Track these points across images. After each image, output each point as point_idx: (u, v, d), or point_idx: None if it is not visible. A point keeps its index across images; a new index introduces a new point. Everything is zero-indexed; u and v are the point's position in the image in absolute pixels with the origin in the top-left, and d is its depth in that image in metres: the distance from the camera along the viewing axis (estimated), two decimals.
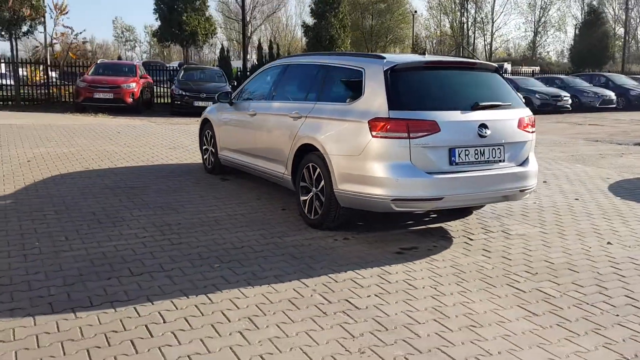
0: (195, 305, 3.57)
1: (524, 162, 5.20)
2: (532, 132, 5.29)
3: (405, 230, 5.47)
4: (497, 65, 5.66)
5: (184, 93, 18.29)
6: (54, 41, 21.48)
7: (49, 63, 21.49)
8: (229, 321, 3.37)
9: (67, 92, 20.16)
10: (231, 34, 60.07)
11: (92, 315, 3.37)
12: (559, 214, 6.25)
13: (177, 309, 3.52)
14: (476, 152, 4.88)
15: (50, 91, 20.33)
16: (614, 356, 3.13)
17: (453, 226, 5.66)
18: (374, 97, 4.83)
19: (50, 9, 21.12)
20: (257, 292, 3.81)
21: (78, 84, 18.28)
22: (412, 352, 3.08)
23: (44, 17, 21.55)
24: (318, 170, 5.21)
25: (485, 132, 4.86)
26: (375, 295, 3.83)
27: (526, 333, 3.36)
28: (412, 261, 4.59)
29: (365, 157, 4.73)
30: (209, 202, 6.32)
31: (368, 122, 4.71)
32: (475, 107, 4.89)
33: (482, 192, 4.94)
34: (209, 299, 3.69)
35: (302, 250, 4.74)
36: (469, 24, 54.14)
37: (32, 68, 20.74)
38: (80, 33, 22.33)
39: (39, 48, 21.61)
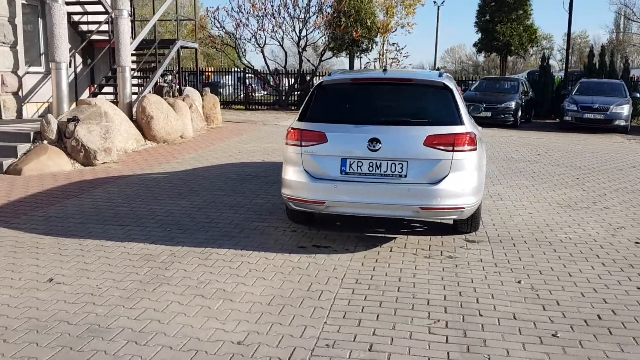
0: None
1: (439, 181, 4.95)
2: (455, 150, 4.94)
3: (363, 234, 5.72)
4: (441, 83, 5.33)
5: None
6: (380, 57, 24.63)
7: None
8: None
9: None
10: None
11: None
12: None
13: None
14: (370, 164, 5.02)
15: None
16: None
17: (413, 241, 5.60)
18: (303, 109, 5.47)
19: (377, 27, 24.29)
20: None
21: None
22: None
23: (376, 36, 24.89)
24: None
25: (376, 146, 4.96)
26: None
27: None
28: (314, 255, 5.06)
29: (284, 162, 5.45)
30: None
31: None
32: (370, 121, 5.08)
33: (372, 202, 5.02)
34: None
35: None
36: None
37: None
38: (402, 48, 24.94)
39: (369, 63, 25.11)
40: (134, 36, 15.03)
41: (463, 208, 5.06)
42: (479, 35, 27.47)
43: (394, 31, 24.95)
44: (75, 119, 9.28)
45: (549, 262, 4.97)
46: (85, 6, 14.30)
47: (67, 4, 13.63)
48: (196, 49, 15.75)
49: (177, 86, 15.06)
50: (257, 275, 4.55)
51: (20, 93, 12.30)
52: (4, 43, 11.70)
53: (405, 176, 5.01)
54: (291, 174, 5.30)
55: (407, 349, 3.38)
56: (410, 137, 5.02)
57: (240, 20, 23.21)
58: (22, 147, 9.02)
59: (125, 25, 11.73)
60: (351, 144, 5.08)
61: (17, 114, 12.09)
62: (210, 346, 3.38)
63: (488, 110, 18.35)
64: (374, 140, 5.00)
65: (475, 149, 5.11)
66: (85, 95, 13.74)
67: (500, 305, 4.03)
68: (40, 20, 13.41)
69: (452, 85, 5.38)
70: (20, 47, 12.35)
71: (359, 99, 5.42)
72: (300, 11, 23.00)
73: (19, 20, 12.24)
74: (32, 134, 9.28)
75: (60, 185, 7.81)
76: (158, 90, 14.02)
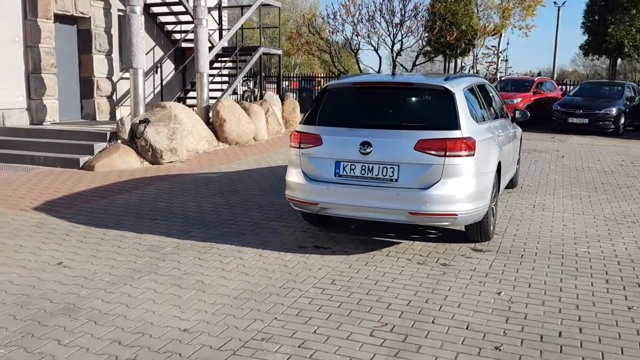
0: None
1: (430, 186, 4.81)
2: (447, 155, 4.83)
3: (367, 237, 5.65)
4: (442, 87, 5.16)
5: (560, 108, 17.96)
6: (475, 61, 24.02)
7: None
8: None
9: None
10: None
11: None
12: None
13: None
14: (363, 168, 5.03)
15: None
16: None
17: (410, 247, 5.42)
18: (307, 112, 5.58)
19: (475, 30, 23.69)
20: None
21: None
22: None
23: (474, 38, 24.31)
24: None
25: (367, 150, 4.96)
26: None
27: None
28: (306, 254, 5.09)
29: (288, 163, 5.63)
30: None
31: None
32: (364, 125, 5.09)
33: (363, 205, 5.02)
34: None
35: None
36: None
37: None
38: (502, 52, 24.10)
39: (464, 67, 24.55)
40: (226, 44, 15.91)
41: (455, 215, 4.94)
42: (586, 37, 25.79)
43: (493, 34, 24.18)
44: (146, 121, 10.07)
45: (547, 276, 4.72)
46: (179, 16, 15.37)
47: (161, 14, 14.77)
48: (279, 56, 16.30)
49: (259, 91, 15.70)
50: (241, 271, 4.77)
51: (114, 97, 13.50)
52: (99, 51, 12.91)
53: (397, 180, 4.99)
54: (291, 175, 5.46)
55: (336, 348, 3.43)
56: (402, 141, 4.99)
57: (336, 27, 23.67)
58: (99, 146, 9.93)
59: (203, 34, 12.48)
60: (344, 147, 5.15)
61: (110, 116, 13.26)
62: (157, 330, 3.64)
63: (585, 116, 17.28)
64: (365, 144, 5.03)
65: (472, 155, 4.97)
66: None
67: (461, 315, 3.93)
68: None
69: (457, 89, 5.26)
70: (115, 55, 13.55)
71: (358, 103, 5.48)
72: (395, 16, 23.00)
73: (114, 30, 13.45)
74: (108, 134, 10.18)
75: (121, 181, 8.53)
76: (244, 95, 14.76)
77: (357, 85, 5.64)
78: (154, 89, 14.54)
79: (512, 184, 8.22)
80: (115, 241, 5.55)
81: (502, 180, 6.45)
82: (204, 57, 12.54)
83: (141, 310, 3.96)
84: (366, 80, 5.76)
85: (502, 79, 22.33)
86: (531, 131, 17.99)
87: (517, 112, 7.75)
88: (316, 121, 5.44)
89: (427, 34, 22.85)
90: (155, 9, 14.74)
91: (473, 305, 4.10)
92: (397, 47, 23.60)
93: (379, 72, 24.91)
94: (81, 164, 9.54)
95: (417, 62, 24.62)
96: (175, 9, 14.92)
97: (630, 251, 5.44)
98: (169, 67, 15.43)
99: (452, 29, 23.03)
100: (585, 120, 17.17)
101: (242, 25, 15.95)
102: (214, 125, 12.35)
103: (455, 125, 4.99)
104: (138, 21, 10.53)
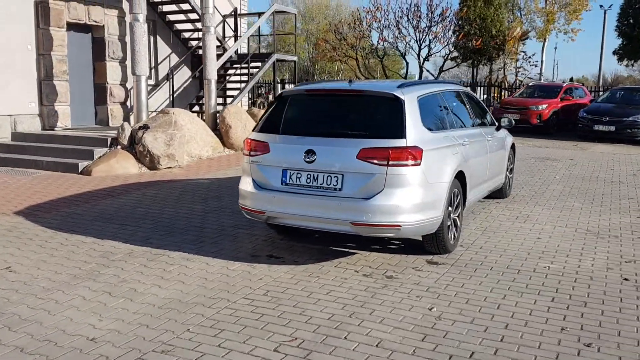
0: None
1: (372, 196, 4.67)
2: (390, 165, 4.71)
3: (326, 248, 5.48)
4: (391, 94, 5.02)
5: (586, 115, 17.34)
6: (505, 67, 23.46)
7: (503, 86, 23.62)
8: None
9: None
10: None
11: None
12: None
13: None
14: (308, 176, 4.96)
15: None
16: None
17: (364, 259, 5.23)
18: (260, 119, 5.55)
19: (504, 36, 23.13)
20: None
21: (495, 106, 19.84)
22: None
23: (504, 45, 23.75)
24: None
25: (311, 158, 4.89)
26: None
27: None
28: (250, 263, 5.04)
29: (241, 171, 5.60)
30: None
31: None
32: (310, 133, 5.00)
33: (308, 215, 4.93)
34: None
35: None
36: None
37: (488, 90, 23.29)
38: (530, 57, 23.47)
39: (492, 73, 24.01)
40: (246, 51, 16.05)
41: (399, 226, 4.79)
42: (620, 41, 24.83)
43: (524, 38, 23.57)
44: (145, 127, 10.23)
45: (490, 292, 4.52)
46: (196, 24, 15.59)
47: (177, 22, 14.99)
48: (295, 62, 16.32)
49: (271, 98, 15.74)
50: (179, 280, 4.75)
51: (127, 103, 13.78)
52: (112, 59, 13.22)
53: (341, 189, 4.89)
54: (242, 183, 5.42)
55: None
56: (345, 150, 4.88)
57: (362, 33, 23.51)
58: (99, 151, 10.14)
59: (211, 41, 12.61)
60: (290, 155, 5.09)
61: (123, 122, 13.53)
62: (65, 339, 3.65)
63: (612, 124, 16.64)
64: (310, 152, 4.96)
65: (418, 165, 4.81)
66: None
67: (378, 331, 3.80)
68: (151, 37, 14.91)
69: (409, 97, 5.10)
70: (129, 62, 13.76)
71: (308, 110, 5.40)
72: (421, 21, 22.68)
73: (128, 38, 13.72)
74: (109, 139, 10.39)
75: (112, 186, 8.67)
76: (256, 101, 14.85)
77: (309, 92, 5.55)
78: (170, 95, 14.78)
79: (501, 194, 7.96)
80: (73, 246, 5.63)
81: (475, 191, 6.24)
82: (212, 64, 12.66)
83: (61, 317, 3.99)
84: (318, 88, 5.67)
85: (530, 84, 21.75)
86: (556, 139, 17.47)
87: (502, 120, 7.50)
88: (266, 128, 5.39)
89: (453, 39, 22.49)
90: (171, 17, 15.00)
91: (397, 321, 3.96)
92: (424, 52, 23.33)
93: (405, 77, 24.65)
94: (80, 169, 9.76)
95: (444, 68, 24.22)
96: (192, 16, 15.14)
97: (595, 267, 5.17)
98: (185, 74, 15.66)
99: (482, 33, 22.57)
100: (612, 128, 16.52)
101: (259, 32, 16.07)
102: (220, 131, 12.45)
103: (401, 134, 4.85)
104: (141, 29, 10.72)
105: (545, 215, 7.19)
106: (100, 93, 13.27)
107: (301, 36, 45.10)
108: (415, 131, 4.94)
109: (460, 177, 5.60)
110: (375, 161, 4.77)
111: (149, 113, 14.29)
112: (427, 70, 23.99)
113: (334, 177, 4.91)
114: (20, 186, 8.67)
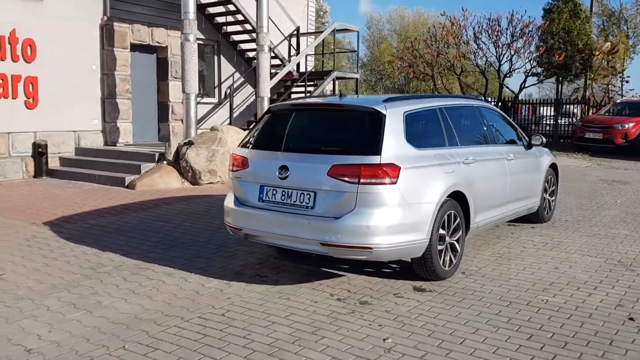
0: None
1: (342, 215, 4.39)
2: (361, 183, 4.42)
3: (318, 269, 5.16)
4: (372, 109, 4.67)
5: None
6: (591, 82, 21.97)
7: (591, 103, 22.14)
8: None
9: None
10: None
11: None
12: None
13: None
14: (283, 193, 4.74)
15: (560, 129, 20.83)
16: None
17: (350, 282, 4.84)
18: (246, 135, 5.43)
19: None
20: None
21: (576, 123, 18.60)
22: None
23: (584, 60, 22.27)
24: None
25: (285, 174, 4.67)
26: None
27: None
28: (243, 282, 4.87)
29: None
30: None
31: None
32: (286, 148, 4.81)
33: (280, 234, 4.71)
34: None
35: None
36: None
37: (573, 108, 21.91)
38: (621, 73, 21.84)
39: (578, 89, 22.54)
40: (304, 69, 16.20)
41: (371, 248, 4.49)
42: None
43: (614, 52, 22.01)
44: (189, 143, 10.48)
45: (464, 325, 4.11)
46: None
47: (241, 42, 15.35)
48: (357, 80, 16.20)
49: None
50: (148, 295, 4.73)
51: None
52: (175, 78, 13.74)
53: (313, 208, 4.68)
54: (226, 199, 5.35)
55: None
56: (317, 166, 4.67)
57: (439, 50, 22.99)
58: (146, 166, 10.51)
59: (264, 59, 12.79)
60: (265, 171, 4.95)
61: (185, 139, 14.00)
62: (4, 347, 3.71)
63: None
64: (283, 168, 4.79)
65: (393, 183, 4.50)
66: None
67: (315, 357, 3.55)
68: (215, 57, 15.39)
69: (393, 112, 4.80)
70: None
71: (290, 126, 5.20)
72: (501, 35, 21.80)
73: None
74: (157, 155, 10.74)
75: (147, 200, 8.93)
76: None
77: (295, 107, 5.41)
78: (231, 113, 15.11)
79: (537, 218, 7.34)
80: (72, 257, 5.80)
81: (486, 214, 5.78)
82: (265, 82, 12.82)
83: (16, 326, 4.07)
84: (302, 103, 5.52)
85: (618, 101, 20.18)
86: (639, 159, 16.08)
87: (533, 138, 6.93)
88: (249, 144, 5.30)
89: (536, 54, 21.40)
90: (235, 37, 15.40)
91: (339, 351, 3.68)
92: (505, 68, 22.39)
93: (484, 95, 23.76)
94: (126, 183, 10.16)
95: (525, 85, 23.05)
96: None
97: (603, 304, 4.57)
98: (248, 92, 16.00)
99: (566, 47, 21.30)
100: None
101: (321, 51, 16.13)
102: None
103: (376, 150, 4.56)
104: (190, 48, 11.06)
105: (579, 243, 6.53)
106: (163, 111, 13.83)
107: (396, 54, 44.94)
108: (394, 148, 4.64)
109: (459, 197, 5.20)
110: (346, 178, 4.52)
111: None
112: (507, 88, 23.00)
113: (307, 194, 4.71)
114: (65, 198, 9.14)
